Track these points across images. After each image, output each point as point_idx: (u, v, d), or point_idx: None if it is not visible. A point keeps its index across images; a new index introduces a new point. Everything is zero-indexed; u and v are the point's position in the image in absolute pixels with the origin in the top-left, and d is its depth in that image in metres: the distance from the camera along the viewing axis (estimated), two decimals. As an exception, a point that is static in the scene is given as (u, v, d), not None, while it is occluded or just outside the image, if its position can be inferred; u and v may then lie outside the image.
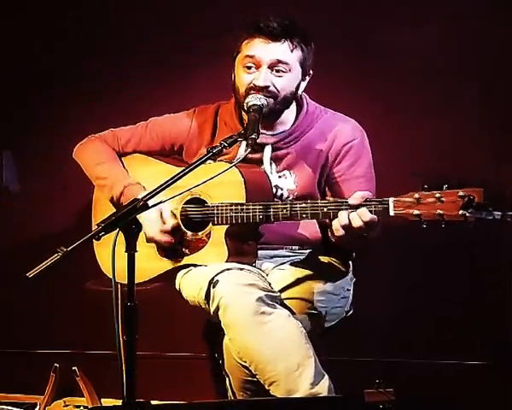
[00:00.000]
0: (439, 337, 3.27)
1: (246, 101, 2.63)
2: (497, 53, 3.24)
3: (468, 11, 3.25)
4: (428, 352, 3.27)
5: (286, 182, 2.75)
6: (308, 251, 2.78)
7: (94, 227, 2.16)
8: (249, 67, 2.66)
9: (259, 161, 2.72)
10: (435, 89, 3.29)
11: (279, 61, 2.63)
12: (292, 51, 2.65)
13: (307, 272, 2.68)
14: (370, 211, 2.36)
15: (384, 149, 2.99)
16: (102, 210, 2.83)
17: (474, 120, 3.27)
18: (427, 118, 3.28)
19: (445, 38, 3.29)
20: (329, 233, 2.60)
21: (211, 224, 2.65)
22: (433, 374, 3.23)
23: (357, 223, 2.36)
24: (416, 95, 3.29)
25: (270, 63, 2.63)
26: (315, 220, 2.72)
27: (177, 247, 2.71)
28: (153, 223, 2.65)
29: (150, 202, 2.23)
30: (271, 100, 2.65)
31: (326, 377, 2.44)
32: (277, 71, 2.64)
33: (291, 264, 2.73)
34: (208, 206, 2.65)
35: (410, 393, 2.23)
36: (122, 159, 2.90)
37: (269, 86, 2.64)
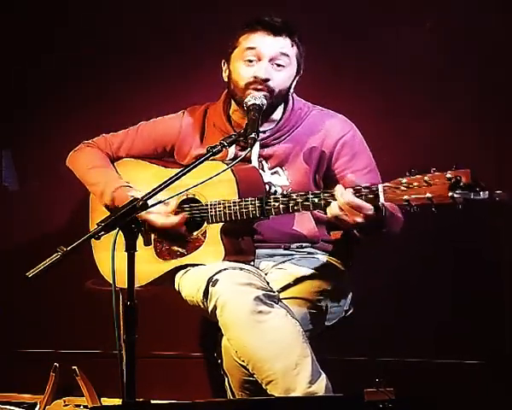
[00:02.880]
0: (437, 337, 3.27)
1: (245, 100, 2.64)
2: (497, 52, 3.23)
3: (468, 10, 3.25)
4: (428, 351, 3.27)
5: (279, 179, 2.75)
6: (307, 250, 2.78)
7: (91, 228, 2.16)
8: (250, 60, 2.66)
9: (248, 159, 2.72)
10: (435, 88, 3.29)
11: (281, 53, 2.65)
12: (292, 47, 2.67)
13: (306, 271, 2.68)
14: (361, 198, 2.33)
15: (383, 148, 2.99)
16: (100, 211, 2.84)
17: (474, 119, 3.27)
18: (426, 117, 3.28)
19: (445, 37, 3.29)
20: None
21: (206, 223, 2.65)
22: (433, 373, 3.23)
23: (341, 200, 2.35)
24: (415, 94, 3.29)
25: (271, 55, 2.65)
26: (311, 217, 2.73)
27: (174, 247, 2.72)
28: (157, 211, 2.64)
29: (149, 202, 2.23)
30: (268, 95, 2.65)
31: (323, 375, 2.44)
32: (278, 65, 2.66)
33: (290, 263, 2.73)
34: (202, 205, 2.66)
35: (410, 392, 2.22)
36: (115, 164, 2.91)
37: (269, 79, 2.64)
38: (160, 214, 2.66)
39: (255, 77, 2.64)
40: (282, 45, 2.66)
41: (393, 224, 2.57)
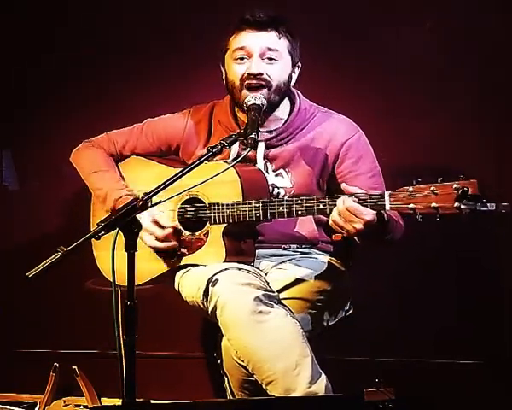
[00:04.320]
0: (437, 338, 3.26)
1: (245, 100, 2.63)
2: (497, 52, 3.23)
3: (468, 10, 3.25)
4: (428, 351, 3.27)
5: (282, 181, 2.75)
6: (307, 250, 2.78)
7: (92, 228, 2.16)
8: (241, 59, 2.67)
9: (253, 159, 2.72)
10: (435, 88, 3.29)
11: (269, 49, 2.66)
12: (280, 39, 2.68)
13: (306, 271, 2.68)
14: (366, 206, 2.35)
15: (383, 148, 2.99)
16: (100, 211, 2.84)
17: (474, 119, 3.27)
18: (426, 117, 3.28)
19: (445, 37, 3.29)
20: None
21: (208, 223, 2.65)
22: (433, 374, 3.23)
23: (340, 206, 2.36)
24: (415, 94, 3.29)
25: (260, 51, 2.65)
26: (312, 219, 2.73)
27: (175, 247, 2.72)
28: (151, 232, 2.66)
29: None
30: (266, 90, 2.65)
31: (323, 376, 2.44)
32: (269, 59, 2.66)
33: (290, 263, 2.73)
34: (205, 205, 2.66)
35: (410, 392, 2.22)
36: (119, 164, 2.91)
37: (262, 74, 2.65)
38: (153, 237, 2.67)
39: (248, 73, 2.65)
40: (269, 39, 2.66)
41: (395, 230, 2.57)
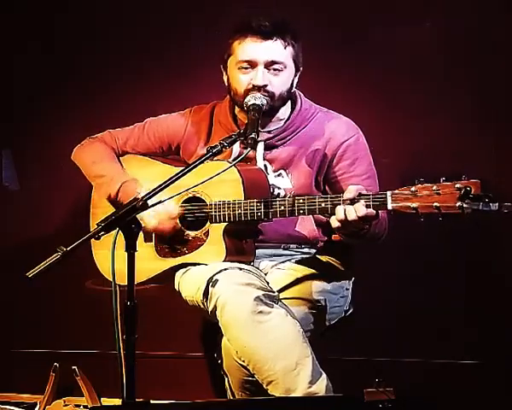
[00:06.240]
0: (437, 337, 3.27)
1: (245, 100, 2.64)
2: (497, 52, 3.23)
3: (468, 10, 3.25)
4: (427, 351, 3.27)
5: (282, 181, 2.75)
6: (307, 250, 2.78)
7: (92, 228, 2.16)
8: (245, 68, 2.66)
9: (253, 159, 2.72)
10: (435, 88, 3.29)
11: (274, 62, 2.65)
12: (285, 48, 2.66)
13: (306, 271, 2.69)
14: (368, 205, 2.34)
15: (383, 148, 3.00)
16: (100, 210, 2.84)
17: (474, 119, 3.27)
18: (426, 117, 3.28)
19: (445, 36, 3.29)
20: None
21: (209, 222, 2.65)
22: (433, 373, 3.23)
23: (351, 216, 2.35)
24: (415, 94, 3.30)
25: (265, 62, 2.64)
26: (312, 219, 2.73)
27: (175, 246, 2.72)
28: (154, 214, 2.65)
29: (150, 202, 2.23)
30: (269, 99, 2.65)
31: (324, 376, 2.44)
32: (274, 70, 2.65)
33: (290, 263, 2.73)
34: (206, 204, 2.66)
35: (410, 392, 2.22)
36: (120, 159, 2.91)
37: (267, 85, 2.64)
38: (154, 217, 2.66)
39: (253, 85, 2.64)
40: (274, 51, 2.64)
41: (376, 226, 2.55)
